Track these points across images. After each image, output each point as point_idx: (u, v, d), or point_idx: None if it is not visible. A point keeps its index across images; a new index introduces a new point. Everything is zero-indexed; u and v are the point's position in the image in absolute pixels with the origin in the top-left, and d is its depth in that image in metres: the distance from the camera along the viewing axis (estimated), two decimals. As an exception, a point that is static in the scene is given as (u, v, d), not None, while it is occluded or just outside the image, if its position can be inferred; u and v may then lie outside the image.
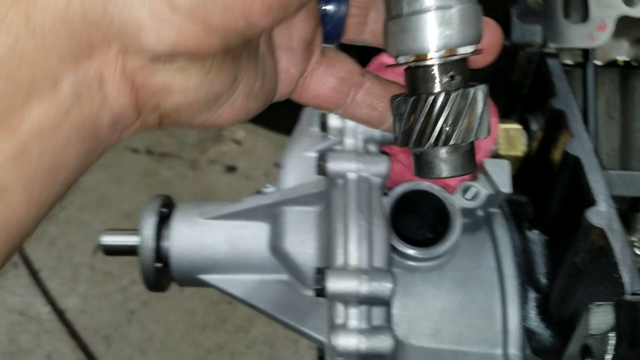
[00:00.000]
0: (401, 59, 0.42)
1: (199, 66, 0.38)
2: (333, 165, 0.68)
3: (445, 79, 0.41)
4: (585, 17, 0.86)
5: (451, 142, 0.41)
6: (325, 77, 0.48)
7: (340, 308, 0.63)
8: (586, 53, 0.89)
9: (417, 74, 0.42)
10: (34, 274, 2.61)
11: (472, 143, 0.43)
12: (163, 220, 0.76)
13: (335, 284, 0.61)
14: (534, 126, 0.83)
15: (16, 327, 2.50)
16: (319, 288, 0.62)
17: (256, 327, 2.49)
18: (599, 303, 0.50)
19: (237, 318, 2.50)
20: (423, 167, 0.43)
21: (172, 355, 2.45)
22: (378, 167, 0.68)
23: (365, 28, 0.49)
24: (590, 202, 0.62)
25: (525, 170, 0.84)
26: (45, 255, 2.66)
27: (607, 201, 0.61)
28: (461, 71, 0.42)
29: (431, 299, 0.72)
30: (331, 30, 0.48)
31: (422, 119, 0.41)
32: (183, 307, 2.49)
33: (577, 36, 0.86)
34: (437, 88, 0.41)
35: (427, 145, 0.41)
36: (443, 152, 0.42)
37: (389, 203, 0.74)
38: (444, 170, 0.42)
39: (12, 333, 2.49)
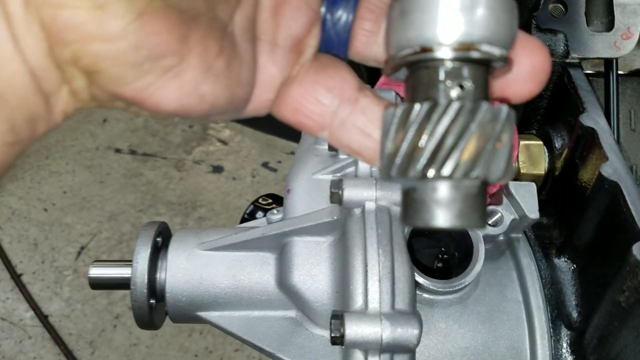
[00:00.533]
0: (404, 52, 0.30)
1: (124, 5, 0.29)
2: (350, 194, 0.61)
3: (454, 84, 0.30)
4: (609, 25, 0.81)
5: (445, 173, 0.29)
6: (310, 85, 0.37)
7: (359, 357, 0.56)
8: (609, 63, 0.84)
9: (419, 75, 0.30)
10: (16, 278, 2.53)
11: (483, 185, 0.31)
12: (158, 251, 0.69)
13: (354, 331, 0.55)
14: (558, 143, 0.77)
15: (-2, 333, 2.43)
16: (337, 336, 0.55)
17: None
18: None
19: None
20: (410, 207, 0.31)
21: (159, 360, 2.39)
22: (399, 195, 0.62)
23: (376, 39, 0.38)
24: (635, 235, 0.57)
25: (548, 189, 0.78)
26: (27, 259, 2.58)
27: (654, 235, 0.56)
28: (478, 78, 0.30)
29: (453, 337, 0.66)
30: (334, 37, 0.37)
31: (412, 135, 0.29)
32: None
33: (601, 45, 0.80)
34: (441, 95, 0.30)
35: (413, 174, 0.29)
36: (438, 188, 0.30)
37: (406, 230, 0.67)
38: (438, 216, 0.30)
39: (-5, 340, 2.42)
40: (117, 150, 2.97)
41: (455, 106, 0.29)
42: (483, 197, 0.31)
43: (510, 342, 0.66)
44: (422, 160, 0.29)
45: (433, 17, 0.29)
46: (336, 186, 0.62)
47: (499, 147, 0.29)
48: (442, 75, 0.29)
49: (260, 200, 1.27)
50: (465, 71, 0.30)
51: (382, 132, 0.33)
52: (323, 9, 0.37)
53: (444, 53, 0.29)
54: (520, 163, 0.77)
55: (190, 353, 2.44)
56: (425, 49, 0.29)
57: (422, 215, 0.30)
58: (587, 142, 0.70)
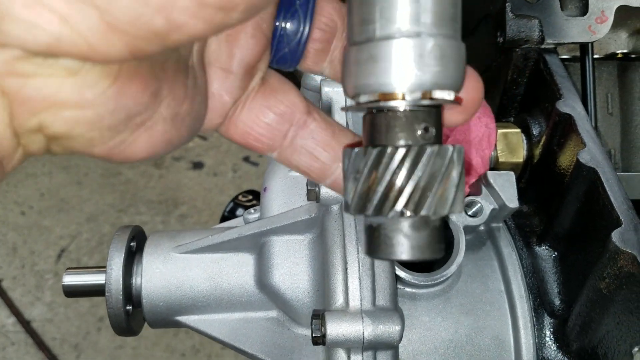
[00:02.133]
0: (362, 98, 0.32)
1: (98, 71, 0.28)
2: (327, 190, 0.60)
3: (419, 130, 0.32)
4: (584, 9, 0.80)
5: (422, 213, 0.31)
6: (260, 110, 0.38)
7: (341, 355, 0.55)
8: (584, 47, 0.83)
9: (381, 120, 0.32)
10: (-5, 284, 2.49)
11: (442, 220, 0.34)
12: (133, 256, 0.67)
13: (336, 330, 0.54)
14: (535, 130, 0.76)
15: (-20, 340, 2.39)
16: (318, 335, 0.54)
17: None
18: (645, 350, 0.43)
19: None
20: (377, 241, 0.33)
21: (145, 361, 2.37)
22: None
23: (325, 57, 0.40)
24: (614, 221, 0.56)
25: (527, 177, 0.77)
26: (6, 264, 2.54)
27: (633, 221, 0.55)
28: (436, 123, 0.33)
29: (437, 329, 0.65)
30: (288, 55, 0.39)
31: (387, 178, 0.32)
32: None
33: (576, 30, 0.79)
34: (408, 140, 0.32)
35: (390, 214, 0.31)
36: (407, 225, 0.32)
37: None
38: (405, 249, 0.32)
39: (-24, 348, 2.38)
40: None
41: (427, 151, 0.32)
42: (442, 231, 0.34)
43: (493, 332, 0.65)
44: (401, 201, 0.32)
45: (388, 67, 0.31)
46: (312, 183, 0.61)
47: (460, 184, 0.33)
48: (407, 119, 0.32)
49: (240, 197, 1.25)
50: (426, 115, 0.32)
51: (345, 170, 0.35)
52: (277, 23, 0.38)
53: (399, 102, 0.31)
54: (499, 151, 0.76)
55: (177, 352, 2.42)
56: (383, 97, 0.31)
57: (390, 249, 0.33)
58: (564, 128, 0.69)
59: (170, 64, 0.32)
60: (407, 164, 0.31)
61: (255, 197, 1.26)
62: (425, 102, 0.31)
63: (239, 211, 1.21)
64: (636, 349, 0.45)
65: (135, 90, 0.30)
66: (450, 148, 0.32)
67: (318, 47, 0.39)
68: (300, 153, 0.39)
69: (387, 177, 0.32)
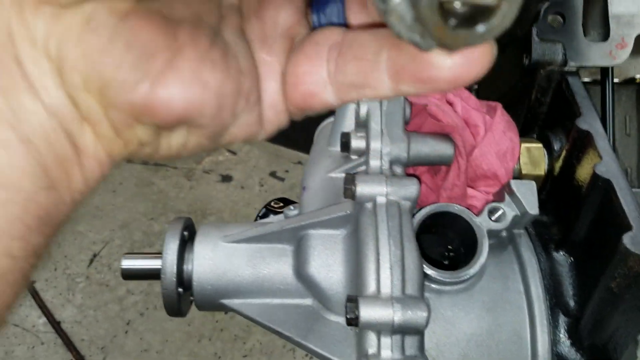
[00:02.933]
0: None
1: (107, 9, 0.31)
2: (362, 189, 0.67)
3: None
4: (605, 35, 0.86)
5: None
6: (307, 63, 0.37)
7: (372, 337, 0.61)
8: (605, 71, 0.89)
9: None
10: (29, 285, 2.58)
11: None
12: (184, 244, 0.75)
13: (368, 313, 0.60)
14: (556, 145, 0.82)
15: (11, 339, 2.47)
16: (352, 317, 0.60)
17: (253, 336, 2.47)
18: (647, 336, 0.49)
19: (234, 327, 2.48)
20: None
21: (169, 366, 2.43)
22: (408, 191, 0.67)
23: None
24: (625, 226, 0.62)
25: (547, 189, 0.83)
26: (40, 267, 2.63)
27: (643, 226, 0.61)
28: None
29: (459, 324, 0.71)
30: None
31: None
32: (179, 318, 2.47)
33: (597, 54, 0.85)
34: None
35: None
36: None
37: (415, 224, 0.72)
38: None
39: (8, 345, 2.46)
40: (129, 160, 3.02)
41: None
42: None
43: (512, 329, 0.71)
44: None
45: None
46: (349, 182, 0.67)
47: None
48: None
49: (272, 204, 1.32)
50: None
51: None
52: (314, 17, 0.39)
53: None
54: (522, 164, 0.82)
55: (200, 359, 2.48)
56: None
57: None
58: (583, 144, 0.75)
59: (188, 21, 0.34)
60: None
61: (285, 204, 1.33)
62: None
63: (271, 217, 1.27)
64: (640, 336, 0.50)
65: (145, 28, 0.32)
66: None
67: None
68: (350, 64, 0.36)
69: None
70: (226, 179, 3.00)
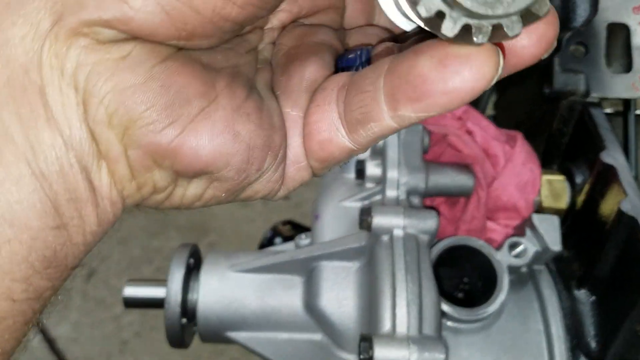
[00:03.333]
0: None
1: (147, 50, 0.31)
2: (379, 220, 0.64)
3: None
4: (628, 67, 0.84)
5: None
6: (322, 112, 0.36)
7: (387, 379, 0.58)
8: (627, 103, 0.87)
9: None
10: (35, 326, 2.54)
11: None
12: (190, 272, 0.71)
13: (383, 354, 0.57)
14: (579, 178, 0.79)
15: (5, 356, 2.43)
16: (366, 358, 0.57)
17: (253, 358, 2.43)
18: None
19: (232, 350, 2.43)
20: None
21: (164, 388, 2.38)
22: (427, 224, 0.64)
23: None
24: (655, 268, 0.59)
25: (569, 223, 0.80)
26: (47, 312, 2.59)
27: (674, 269, 0.58)
28: None
29: (476, 364, 0.67)
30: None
31: None
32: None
33: (620, 86, 0.83)
34: None
35: None
36: None
37: (432, 258, 0.69)
38: None
39: (1, 362, 2.42)
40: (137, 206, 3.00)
41: None
42: None
43: (531, 371, 0.67)
44: None
45: None
46: (366, 213, 0.65)
47: None
48: None
49: (279, 227, 1.29)
50: None
51: None
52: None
53: None
54: (543, 197, 0.79)
55: (198, 384, 2.43)
56: None
57: None
58: (606, 178, 0.72)
59: (226, 70, 0.34)
60: None
61: (293, 227, 1.29)
62: None
63: (277, 240, 1.24)
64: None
65: (184, 73, 0.31)
66: None
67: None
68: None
69: None
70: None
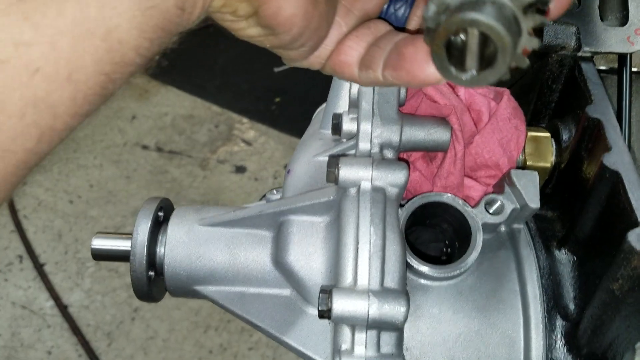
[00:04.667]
0: None
1: None
2: (345, 173, 0.62)
3: None
4: (624, 20, 0.79)
5: None
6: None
7: (346, 332, 0.56)
8: (622, 58, 0.82)
9: None
10: (38, 267, 2.58)
11: None
12: (159, 225, 0.70)
13: (342, 306, 0.55)
14: (565, 135, 0.76)
15: (18, 320, 2.48)
16: (324, 309, 0.55)
17: (261, 330, 2.44)
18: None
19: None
20: None
21: (174, 354, 2.41)
22: (396, 176, 0.62)
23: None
24: (632, 223, 0.56)
25: (553, 182, 0.77)
26: (50, 249, 2.64)
27: (651, 223, 0.55)
28: None
29: (447, 323, 0.65)
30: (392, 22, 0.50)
31: None
32: (187, 306, 2.45)
33: (614, 40, 0.79)
34: None
35: None
36: None
37: (404, 215, 0.67)
38: None
39: (14, 327, 2.47)
40: (145, 147, 3.02)
41: None
42: None
43: (504, 330, 0.65)
44: None
45: None
46: (333, 164, 0.62)
47: None
48: None
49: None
50: None
51: None
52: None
53: None
54: (527, 155, 0.76)
55: (205, 349, 2.46)
56: None
57: None
58: (592, 133, 0.69)
59: None
60: None
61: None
62: None
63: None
64: (639, 344, 0.45)
65: None
66: None
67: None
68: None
69: None
70: (240, 170, 2.98)
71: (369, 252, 0.57)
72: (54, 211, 2.78)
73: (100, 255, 0.71)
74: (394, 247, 0.58)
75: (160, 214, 0.71)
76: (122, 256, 0.69)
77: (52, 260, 2.66)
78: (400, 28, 0.50)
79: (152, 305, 2.55)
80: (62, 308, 2.52)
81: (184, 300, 2.47)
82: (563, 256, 0.70)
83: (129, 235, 0.70)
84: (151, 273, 0.68)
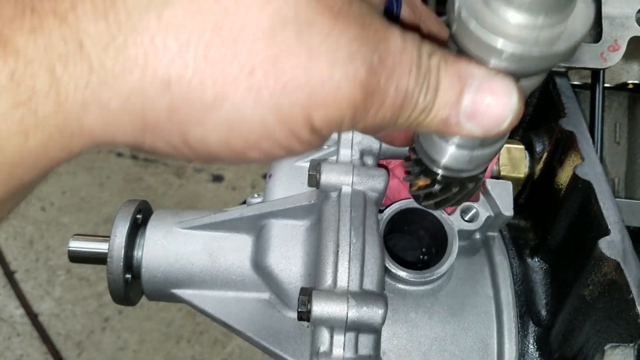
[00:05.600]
0: None
1: None
2: (326, 177, 0.62)
3: None
4: (597, 37, 0.82)
5: None
6: None
7: (324, 334, 0.57)
8: (595, 74, 0.85)
9: None
10: (9, 275, 2.53)
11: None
12: (137, 228, 0.70)
13: (321, 307, 0.56)
14: (539, 147, 0.78)
15: (-13, 329, 2.43)
16: (303, 311, 0.56)
17: (233, 341, 2.41)
18: (615, 345, 0.44)
19: (214, 331, 2.42)
20: None
21: (145, 366, 2.38)
22: (375, 182, 0.63)
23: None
24: (603, 231, 0.57)
25: (526, 193, 0.79)
26: (22, 257, 2.59)
27: (621, 231, 0.57)
28: None
29: (423, 327, 0.66)
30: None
31: None
32: (159, 317, 2.42)
33: (588, 56, 0.81)
34: None
35: None
36: None
37: (383, 221, 0.68)
38: None
39: (-17, 335, 2.41)
40: (119, 155, 2.99)
41: None
42: None
43: (478, 335, 0.66)
44: None
45: None
46: (314, 169, 0.63)
47: None
48: None
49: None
50: None
51: None
52: None
53: None
54: (501, 165, 0.78)
55: (177, 361, 2.43)
56: None
57: None
58: (565, 145, 0.71)
59: None
60: None
61: (266, 202, 1.28)
62: None
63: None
64: (608, 345, 0.46)
65: None
66: None
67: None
68: None
69: None
70: (217, 178, 2.96)
71: (349, 254, 0.58)
72: (26, 218, 2.73)
73: (77, 257, 0.70)
74: (374, 250, 0.59)
75: (139, 216, 0.71)
76: (99, 258, 0.69)
77: (23, 267, 2.61)
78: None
79: (123, 316, 2.51)
80: (33, 316, 2.47)
81: (156, 310, 2.44)
82: (536, 264, 0.72)
83: (106, 237, 0.70)
84: (128, 276, 0.68)
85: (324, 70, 0.34)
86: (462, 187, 0.48)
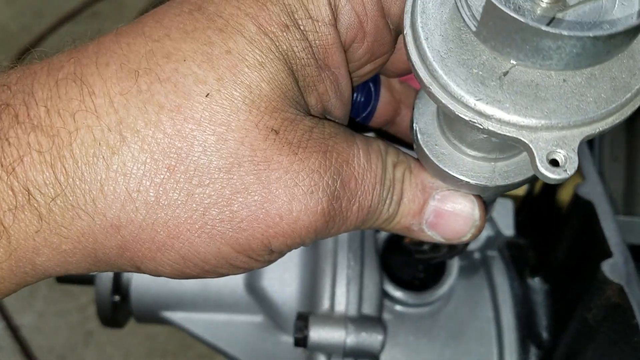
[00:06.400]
0: None
1: None
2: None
3: None
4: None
5: None
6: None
7: (322, 360, 0.55)
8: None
9: None
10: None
11: None
12: (126, 247, 0.68)
13: (318, 333, 0.54)
14: (537, 165, 0.77)
15: (-33, 342, 2.37)
16: (300, 337, 0.54)
17: (220, 356, 2.38)
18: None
19: (200, 346, 2.38)
20: None
21: (129, 381, 2.34)
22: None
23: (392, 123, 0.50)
24: (606, 253, 0.56)
25: (526, 211, 0.77)
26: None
27: (624, 254, 0.55)
28: None
29: (422, 350, 0.64)
30: (361, 120, 0.48)
31: None
32: (144, 331, 2.38)
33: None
34: None
35: None
36: None
37: (381, 240, 0.66)
38: None
39: (-38, 349, 2.36)
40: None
41: None
42: None
43: (479, 358, 0.64)
44: None
45: None
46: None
47: None
48: None
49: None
50: None
51: None
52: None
53: None
54: (500, 183, 0.76)
55: (161, 380, 2.38)
56: None
57: None
58: (565, 163, 0.69)
59: None
60: None
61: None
62: None
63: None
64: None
65: None
66: None
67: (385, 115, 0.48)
68: None
69: None
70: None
71: (347, 278, 0.56)
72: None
73: (63, 278, 0.68)
74: (372, 273, 0.57)
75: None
76: (87, 279, 0.66)
77: (4, 280, 2.56)
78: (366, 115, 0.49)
79: (107, 330, 2.46)
80: (14, 330, 2.42)
81: (141, 325, 2.40)
82: (536, 284, 0.70)
83: (94, 257, 0.67)
84: (116, 298, 0.65)
85: (282, 206, 0.34)
86: (452, 247, 0.49)
